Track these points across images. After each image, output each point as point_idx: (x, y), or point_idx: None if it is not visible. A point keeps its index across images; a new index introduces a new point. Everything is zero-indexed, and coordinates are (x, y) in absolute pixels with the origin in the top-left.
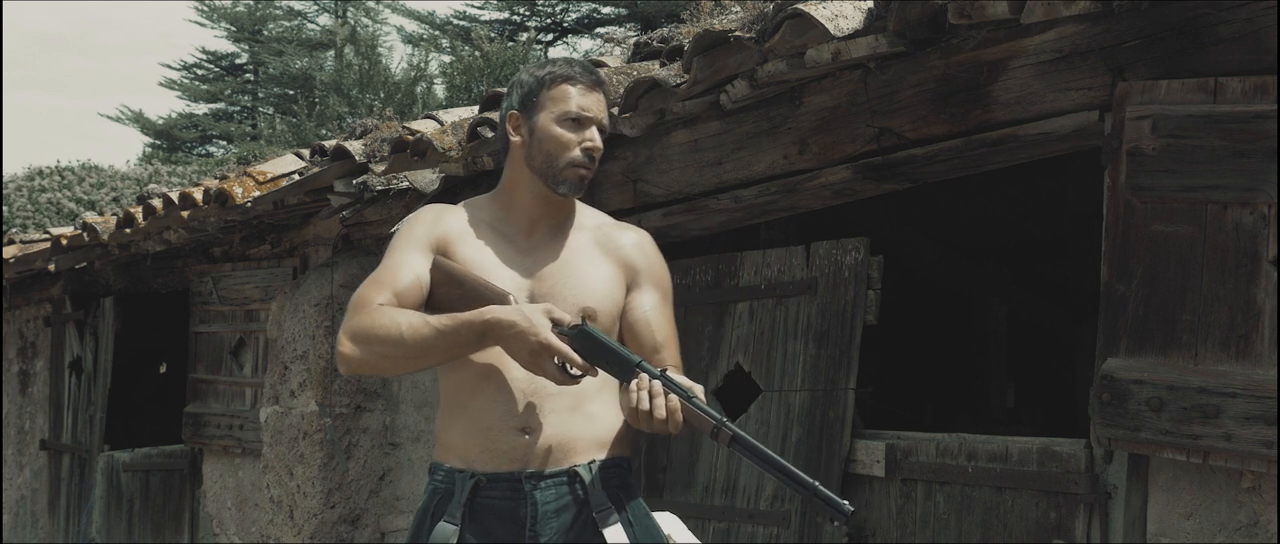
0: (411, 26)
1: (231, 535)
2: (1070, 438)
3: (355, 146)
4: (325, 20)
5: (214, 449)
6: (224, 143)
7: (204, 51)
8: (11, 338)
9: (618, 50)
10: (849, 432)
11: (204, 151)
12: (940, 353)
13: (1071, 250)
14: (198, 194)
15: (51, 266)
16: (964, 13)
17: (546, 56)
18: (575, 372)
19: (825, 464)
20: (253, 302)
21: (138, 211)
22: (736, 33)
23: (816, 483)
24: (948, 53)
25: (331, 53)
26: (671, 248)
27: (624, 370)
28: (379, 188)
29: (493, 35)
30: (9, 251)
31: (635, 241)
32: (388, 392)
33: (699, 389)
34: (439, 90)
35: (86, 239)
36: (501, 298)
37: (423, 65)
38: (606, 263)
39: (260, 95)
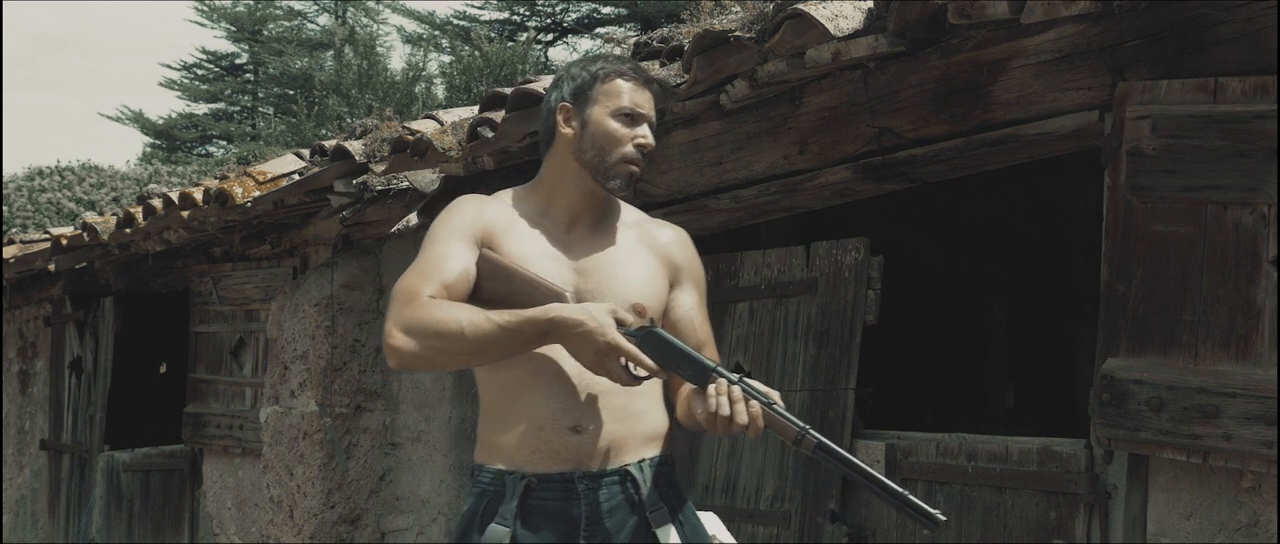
0: (411, 26)
1: (231, 535)
2: (1070, 438)
3: (355, 146)
4: (325, 20)
5: (214, 449)
6: (224, 143)
7: (204, 51)
8: (11, 338)
9: (618, 50)
10: (849, 432)
11: (204, 151)
12: (940, 353)
13: (1071, 250)
14: (198, 194)
15: (51, 267)
16: (964, 13)
17: (546, 57)
18: (641, 373)
19: (825, 464)
20: (253, 302)
21: (138, 211)
22: (736, 33)
23: (906, 492)
24: (948, 53)
25: (331, 53)
26: None
27: (699, 374)
28: (379, 188)
29: (492, 35)
30: (9, 251)
31: (675, 239)
32: (388, 392)
33: (777, 395)
34: (439, 90)
35: (86, 239)
36: (556, 295)
37: (422, 65)
38: (651, 259)
39: (260, 95)
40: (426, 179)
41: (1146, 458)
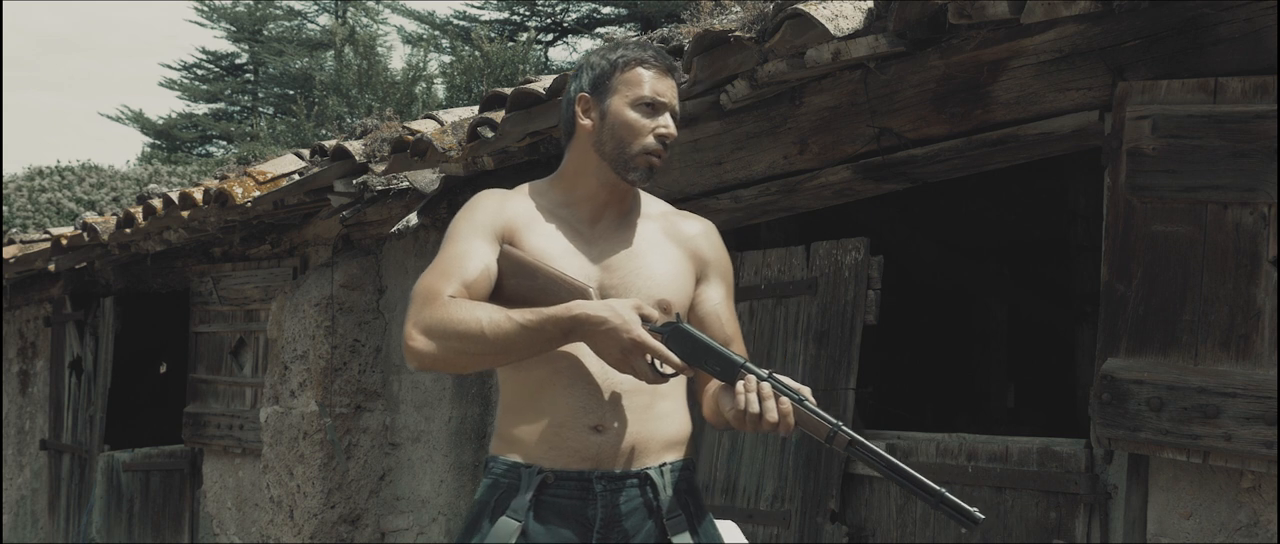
0: (411, 26)
1: (231, 535)
2: (1070, 438)
3: (355, 146)
4: (325, 20)
5: (214, 449)
6: (224, 143)
7: (204, 51)
8: (11, 338)
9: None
10: None
11: (204, 151)
12: (940, 353)
13: (1071, 250)
14: (198, 194)
15: (51, 267)
16: (964, 13)
17: (546, 57)
18: (667, 371)
19: (825, 464)
20: (253, 302)
21: (138, 211)
22: (736, 33)
23: (944, 490)
24: (948, 53)
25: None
26: None
27: (727, 370)
28: (379, 188)
29: (492, 35)
30: (9, 251)
31: (703, 232)
32: (388, 392)
33: (807, 391)
34: (439, 90)
35: (86, 239)
36: (580, 291)
37: (422, 65)
38: (677, 253)
39: (260, 95)
40: (426, 179)
41: (1146, 458)
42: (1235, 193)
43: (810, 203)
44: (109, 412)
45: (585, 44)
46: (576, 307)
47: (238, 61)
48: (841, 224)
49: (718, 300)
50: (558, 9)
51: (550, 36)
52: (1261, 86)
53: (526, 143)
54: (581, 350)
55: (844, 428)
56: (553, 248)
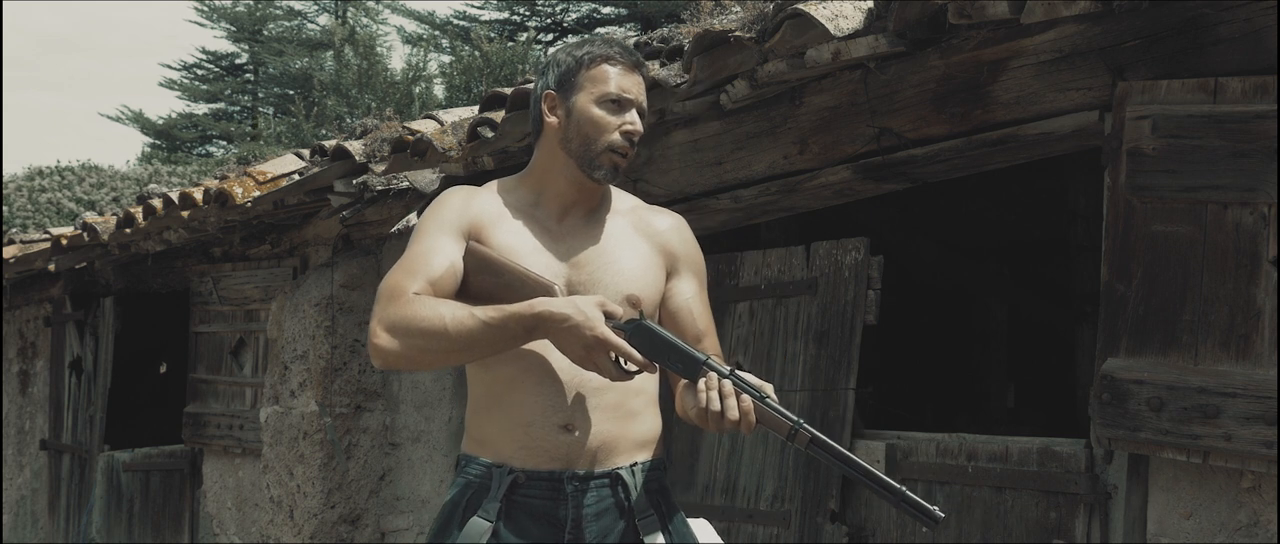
0: (411, 26)
1: (231, 535)
2: (1070, 438)
3: (355, 146)
4: (325, 20)
5: (214, 449)
6: (224, 143)
7: (204, 51)
8: (11, 338)
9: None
10: (849, 432)
11: (204, 151)
12: (940, 353)
13: (1071, 250)
14: (198, 194)
15: (51, 267)
16: (964, 13)
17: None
18: (631, 368)
19: (825, 465)
20: (253, 302)
21: (138, 211)
22: (736, 33)
23: (904, 488)
24: (948, 53)
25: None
26: None
27: (689, 367)
28: (379, 188)
29: (492, 35)
30: (9, 251)
31: (673, 226)
32: (388, 392)
33: (770, 388)
34: (439, 90)
35: (86, 239)
36: (545, 288)
37: (422, 65)
38: (646, 248)
39: (260, 95)
40: (426, 179)
41: (1146, 458)
42: (1235, 193)
43: (810, 203)
44: (109, 412)
45: None
46: (540, 303)
47: (238, 61)
48: (841, 224)
49: (689, 294)
50: (558, 9)
51: (550, 36)
52: (1261, 86)
53: (526, 143)
54: (549, 349)
55: (805, 425)
56: (520, 245)
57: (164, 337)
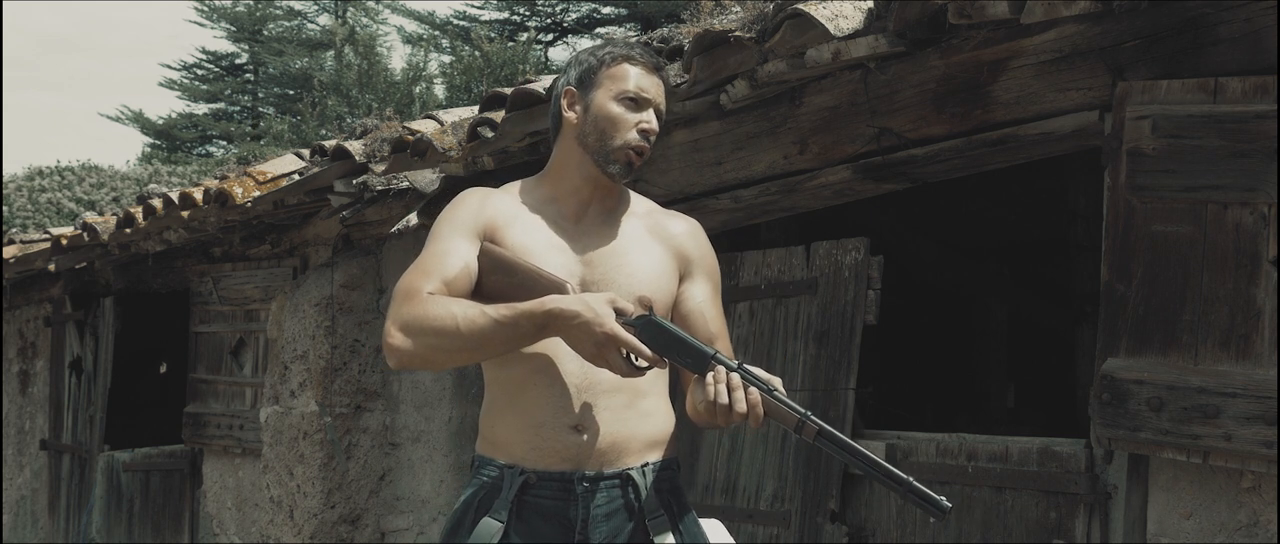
0: (411, 26)
1: (231, 535)
2: (1070, 438)
3: (355, 146)
4: (325, 20)
5: (214, 449)
6: (224, 143)
7: (204, 51)
8: (11, 338)
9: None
10: (849, 432)
11: (204, 151)
12: (940, 353)
13: (1071, 250)
14: (198, 194)
15: (51, 267)
16: (964, 13)
17: (546, 57)
18: (641, 364)
19: (825, 464)
20: (253, 302)
21: (138, 211)
22: (736, 33)
23: (911, 479)
24: (948, 53)
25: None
26: None
27: (698, 362)
28: (379, 188)
29: (492, 35)
30: (9, 251)
31: (687, 230)
32: (388, 392)
33: (778, 381)
34: (439, 90)
35: (86, 239)
36: (557, 286)
37: (422, 65)
38: (660, 250)
39: (260, 95)
40: (426, 179)
41: (1146, 458)
42: (1235, 193)
43: (810, 203)
44: (109, 412)
45: (585, 44)
46: (550, 301)
47: (238, 61)
48: (841, 224)
49: (702, 298)
50: (558, 9)
51: (550, 36)
52: (1261, 86)
53: (526, 143)
54: (561, 349)
55: (812, 417)
56: (534, 244)
57: (164, 337)
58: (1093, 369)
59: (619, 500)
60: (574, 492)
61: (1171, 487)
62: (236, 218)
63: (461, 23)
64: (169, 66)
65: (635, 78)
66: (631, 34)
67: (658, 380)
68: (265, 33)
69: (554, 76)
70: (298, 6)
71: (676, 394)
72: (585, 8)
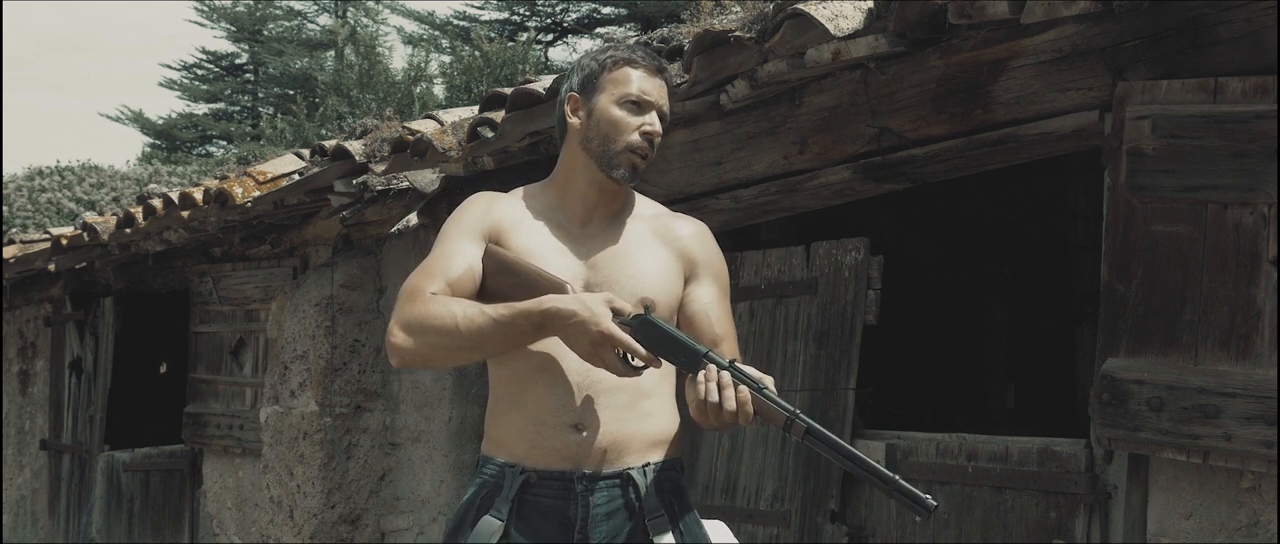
0: (411, 26)
1: (231, 535)
2: (1070, 438)
3: (355, 146)
4: (325, 20)
5: (214, 449)
6: (224, 143)
7: (204, 51)
8: (11, 338)
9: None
10: (849, 432)
11: (204, 151)
12: (940, 353)
13: (1071, 250)
14: (198, 194)
15: (51, 267)
16: (964, 13)
17: (546, 57)
18: (637, 363)
19: (825, 464)
20: (253, 302)
21: (138, 211)
22: (736, 33)
23: (897, 477)
24: (948, 53)
25: (331, 53)
26: None
27: (690, 360)
28: (379, 188)
29: (492, 35)
30: (9, 251)
31: (694, 232)
32: (388, 392)
33: (769, 380)
34: (439, 90)
35: (86, 239)
36: (558, 287)
37: (423, 65)
38: (665, 253)
39: (260, 95)
40: (426, 179)
41: (1146, 458)
42: (1235, 193)
43: (810, 203)
44: (109, 412)
45: (585, 44)
46: (547, 300)
47: (238, 61)
48: (841, 224)
49: (708, 300)
50: (557, 9)
51: (550, 36)
52: (1261, 86)
53: (526, 143)
54: (562, 349)
55: (800, 415)
56: (539, 247)
57: (164, 337)
58: (1093, 369)
59: (619, 500)
60: (574, 491)
61: (1171, 487)
62: (236, 218)
63: (461, 23)
64: (169, 66)
65: (637, 81)
66: (632, 35)
67: (662, 381)
68: (265, 33)
69: (554, 77)
70: (298, 6)
71: (681, 395)
72: (585, 8)
